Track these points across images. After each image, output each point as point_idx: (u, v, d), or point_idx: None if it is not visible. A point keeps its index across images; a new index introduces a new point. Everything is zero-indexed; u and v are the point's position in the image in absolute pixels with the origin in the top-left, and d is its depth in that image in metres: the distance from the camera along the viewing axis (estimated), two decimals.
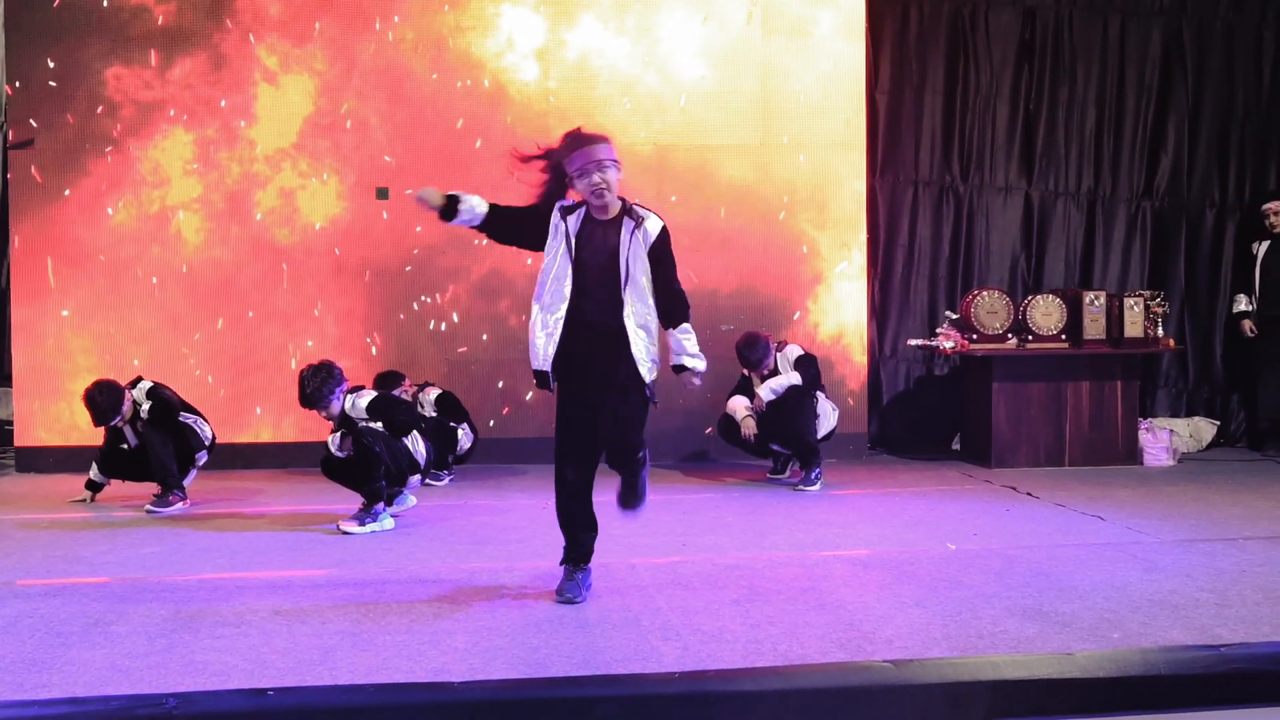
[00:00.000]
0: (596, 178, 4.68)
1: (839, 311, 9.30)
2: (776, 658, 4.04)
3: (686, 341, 4.94)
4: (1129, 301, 8.89)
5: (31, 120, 8.77)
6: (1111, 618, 4.50)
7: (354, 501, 6.58)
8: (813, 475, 7.80)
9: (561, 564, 4.99)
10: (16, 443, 8.87)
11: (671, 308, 4.89)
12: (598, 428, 4.84)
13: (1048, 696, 3.66)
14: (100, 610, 4.74)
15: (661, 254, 4.82)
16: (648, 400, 4.87)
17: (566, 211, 4.81)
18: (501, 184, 8.87)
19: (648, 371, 4.79)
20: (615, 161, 4.74)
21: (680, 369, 4.97)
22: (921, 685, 3.64)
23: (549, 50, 9.10)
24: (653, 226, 4.80)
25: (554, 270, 4.77)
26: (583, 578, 4.95)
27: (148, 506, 7.14)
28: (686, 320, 4.93)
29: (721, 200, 9.12)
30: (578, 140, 4.76)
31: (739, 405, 8.04)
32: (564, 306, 4.75)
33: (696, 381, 5.00)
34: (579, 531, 4.96)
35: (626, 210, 4.81)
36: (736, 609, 4.71)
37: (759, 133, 9.22)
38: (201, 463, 7.46)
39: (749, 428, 7.93)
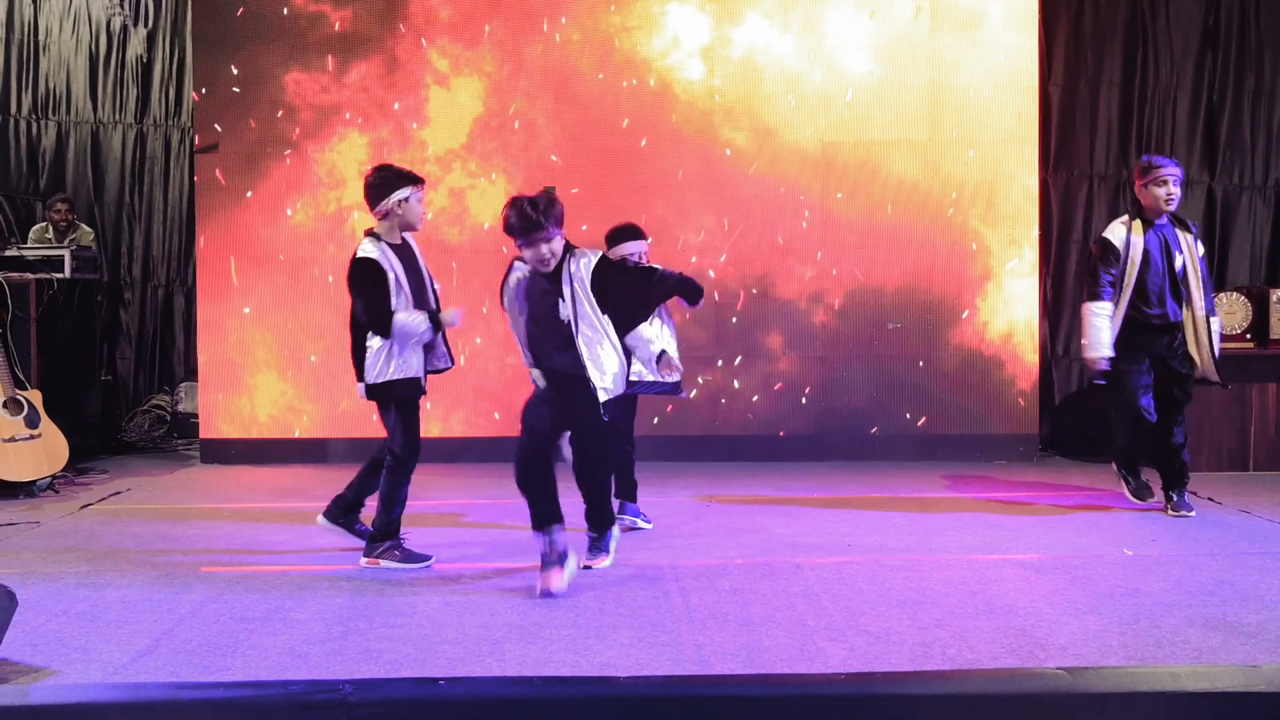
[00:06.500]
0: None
1: (1009, 310, 9.09)
2: (945, 661, 3.98)
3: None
4: None
5: (216, 125, 9.13)
6: None
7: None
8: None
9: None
10: (201, 435, 9.25)
11: None
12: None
13: (1231, 710, 3.51)
14: (280, 598, 4.91)
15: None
16: None
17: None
18: (666, 182, 9.08)
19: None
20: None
21: None
22: (1098, 694, 3.53)
23: (714, 48, 9.09)
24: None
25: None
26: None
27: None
28: None
29: (888, 196, 8.97)
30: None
31: None
32: None
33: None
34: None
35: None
36: (904, 611, 4.64)
37: (926, 128, 9.06)
38: None
39: None
